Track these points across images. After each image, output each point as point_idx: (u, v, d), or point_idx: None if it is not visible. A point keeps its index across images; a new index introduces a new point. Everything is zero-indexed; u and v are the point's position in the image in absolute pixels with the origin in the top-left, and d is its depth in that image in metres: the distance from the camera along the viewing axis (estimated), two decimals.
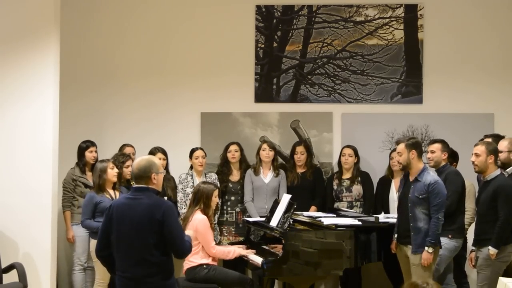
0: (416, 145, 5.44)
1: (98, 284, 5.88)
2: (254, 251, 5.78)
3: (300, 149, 6.82)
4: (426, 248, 5.25)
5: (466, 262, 6.27)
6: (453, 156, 6.30)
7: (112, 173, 5.92)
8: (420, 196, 5.32)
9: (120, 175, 6.05)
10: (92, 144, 6.66)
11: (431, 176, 5.39)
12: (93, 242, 5.84)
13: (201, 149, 6.77)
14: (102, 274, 5.79)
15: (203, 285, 5.58)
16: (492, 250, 5.25)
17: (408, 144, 5.41)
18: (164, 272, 4.29)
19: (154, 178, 4.33)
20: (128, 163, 6.24)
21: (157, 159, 4.54)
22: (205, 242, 5.62)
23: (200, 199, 5.70)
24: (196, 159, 6.65)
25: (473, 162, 5.47)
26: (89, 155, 6.61)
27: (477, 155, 5.42)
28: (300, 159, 6.80)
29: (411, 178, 5.47)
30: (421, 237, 5.30)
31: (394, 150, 6.66)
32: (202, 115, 7.28)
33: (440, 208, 5.27)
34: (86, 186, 6.47)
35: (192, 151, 6.73)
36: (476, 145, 5.52)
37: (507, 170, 5.53)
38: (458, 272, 6.27)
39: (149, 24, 7.37)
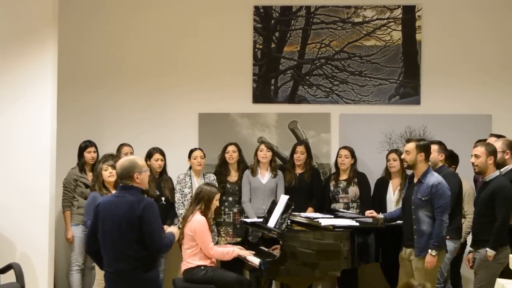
0: (426, 148, 5.35)
1: (98, 284, 5.84)
2: (253, 252, 5.76)
3: (300, 148, 6.82)
4: (429, 251, 5.17)
5: (462, 263, 6.28)
6: (451, 159, 6.27)
7: (106, 174, 5.88)
8: (423, 198, 5.21)
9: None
10: (91, 144, 6.63)
11: (435, 177, 5.27)
12: None
13: (200, 149, 6.77)
14: (102, 275, 5.77)
15: (201, 286, 5.57)
16: (489, 252, 5.22)
17: (419, 145, 5.31)
18: (146, 266, 4.46)
19: (137, 178, 4.52)
20: None
21: (140, 159, 4.71)
22: (203, 244, 5.61)
23: (201, 200, 5.71)
24: (195, 159, 6.64)
25: (473, 164, 5.42)
26: (87, 155, 6.59)
27: (477, 156, 5.37)
28: (300, 159, 6.79)
29: (415, 180, 5.38)
30: (424, 241, 5.21)
31: (391, 151, 6.70)
32: (200, 115, 7.27)
33: (445, 210, 5.17)
34: (87, 186, 6.43)
35: (191, 151, 6.72)
36: (475, 146, 5.48)
37: (501, 170, 5.50)
38: (454, 273, 6.27)
39: (147, 25, 7.36)
